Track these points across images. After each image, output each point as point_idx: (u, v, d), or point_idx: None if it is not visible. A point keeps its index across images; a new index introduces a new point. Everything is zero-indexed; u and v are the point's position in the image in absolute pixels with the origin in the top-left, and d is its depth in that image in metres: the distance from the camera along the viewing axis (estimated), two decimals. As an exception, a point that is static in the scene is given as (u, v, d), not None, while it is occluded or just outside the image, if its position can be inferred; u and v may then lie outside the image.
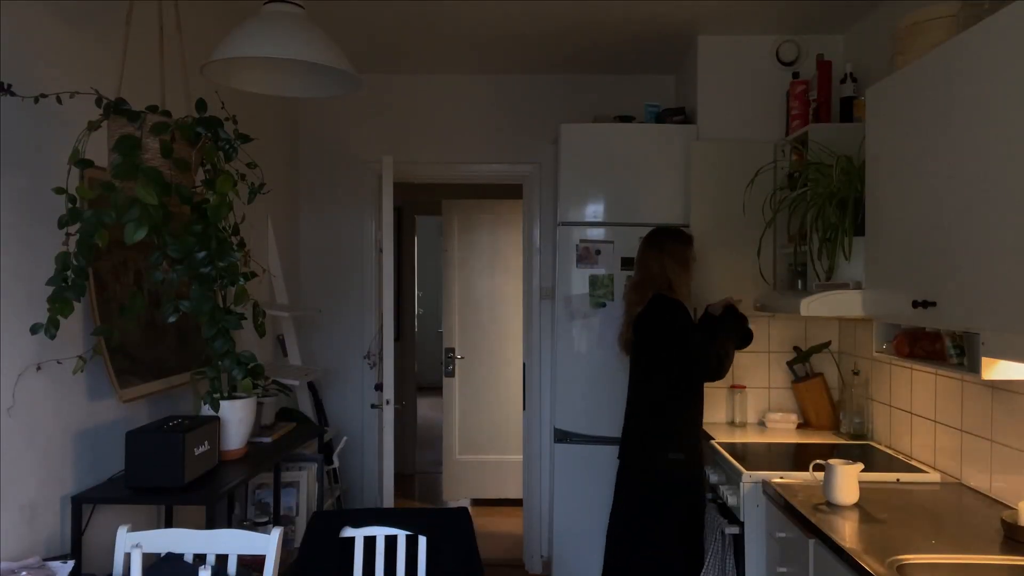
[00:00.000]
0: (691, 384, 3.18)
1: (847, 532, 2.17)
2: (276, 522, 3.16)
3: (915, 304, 2.12)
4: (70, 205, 1.96)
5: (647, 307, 3.17)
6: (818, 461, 2.45)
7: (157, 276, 2.07)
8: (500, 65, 4.24)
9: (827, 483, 2.40)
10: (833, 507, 2.37)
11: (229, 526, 2.91)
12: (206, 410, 2.51)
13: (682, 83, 4.18)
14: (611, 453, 3.69)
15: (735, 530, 2.86)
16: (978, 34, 1.89)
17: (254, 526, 2.97)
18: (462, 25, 3.60)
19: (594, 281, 3.74)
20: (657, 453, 3.12)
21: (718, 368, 3.10)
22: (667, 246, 3.24)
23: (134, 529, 2.08)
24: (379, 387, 4.04)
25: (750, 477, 2.75)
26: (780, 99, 3.66)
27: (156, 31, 2.21)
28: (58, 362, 2.17)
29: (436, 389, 6.32)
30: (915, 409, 2.94)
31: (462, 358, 5.75)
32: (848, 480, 2.38)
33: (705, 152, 3.63)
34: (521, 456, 4.63)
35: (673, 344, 3.12)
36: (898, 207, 2.32)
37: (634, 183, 3.74)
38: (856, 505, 2.38)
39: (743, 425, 3.62)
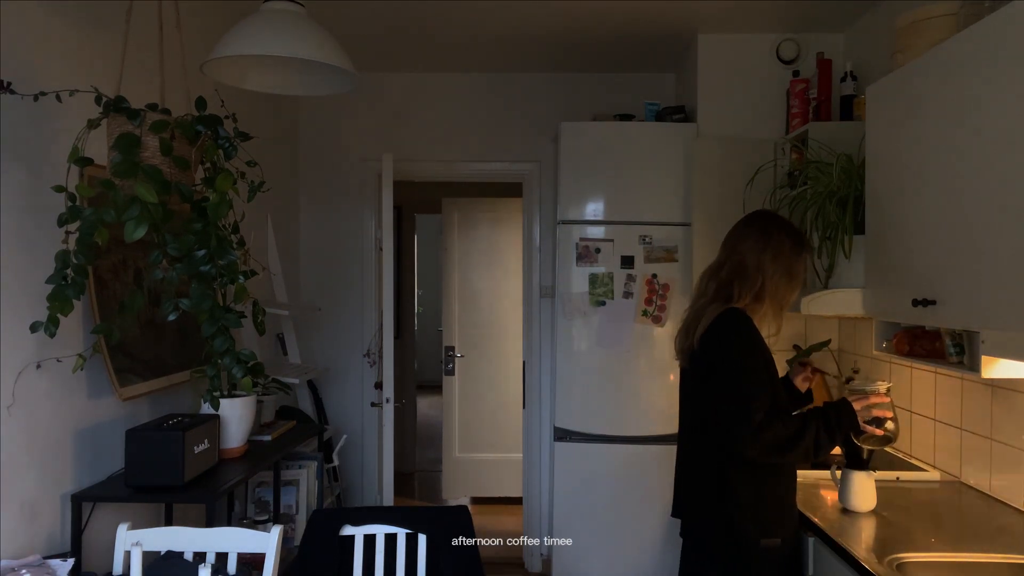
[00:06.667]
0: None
1: (846, 530, 2.18)
2: (276, 520, 3.16)
3: (915, 303, 2.12)
4: (70, 203, 1.96)
5: (714, 322, 2.15)
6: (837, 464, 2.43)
7: (157, 274, 2.07)
8: (500, 63, 4.23)
9: (843, 489, 2.38)
10: (832, 506, 2.37)
11: (229, 524, 2.92)
12: (206, 408, 2.51)
13: (682, 81, 4.17)
14: (611, 451, 3.71)
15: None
16: (979, 32, 1.89)
17: (254, 524, 2.96)
18: (462, 23, 3.59)
19: (594, 279, 3.74)
20: (744, 537, 2.11)
21: (760, 452, 2.06)
22: (775, 236, 2.21)
23: (134, 527, 2.08)
24: (379, 385, 4.04)
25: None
26: (780, 97, 3.66)
27: (156, 29, 2.20)
28: (58, 360, 2.17)
29: (436, 387, 6.32)
30: (915, 407, 2.94)
31: (462, 356, 5.75)
32: (865, 488, 2.35)
33: (705, 150, 3.63)
34: (521, 454, 4.63)
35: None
36: (898, 205, 2.31)
37: (634, 182, 3.74)
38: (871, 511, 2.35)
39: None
